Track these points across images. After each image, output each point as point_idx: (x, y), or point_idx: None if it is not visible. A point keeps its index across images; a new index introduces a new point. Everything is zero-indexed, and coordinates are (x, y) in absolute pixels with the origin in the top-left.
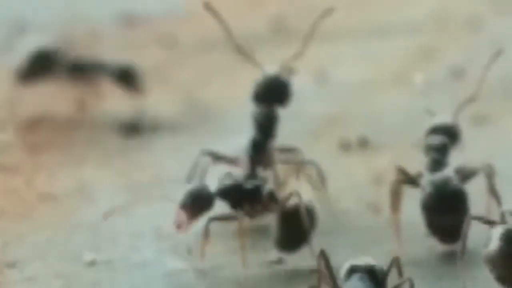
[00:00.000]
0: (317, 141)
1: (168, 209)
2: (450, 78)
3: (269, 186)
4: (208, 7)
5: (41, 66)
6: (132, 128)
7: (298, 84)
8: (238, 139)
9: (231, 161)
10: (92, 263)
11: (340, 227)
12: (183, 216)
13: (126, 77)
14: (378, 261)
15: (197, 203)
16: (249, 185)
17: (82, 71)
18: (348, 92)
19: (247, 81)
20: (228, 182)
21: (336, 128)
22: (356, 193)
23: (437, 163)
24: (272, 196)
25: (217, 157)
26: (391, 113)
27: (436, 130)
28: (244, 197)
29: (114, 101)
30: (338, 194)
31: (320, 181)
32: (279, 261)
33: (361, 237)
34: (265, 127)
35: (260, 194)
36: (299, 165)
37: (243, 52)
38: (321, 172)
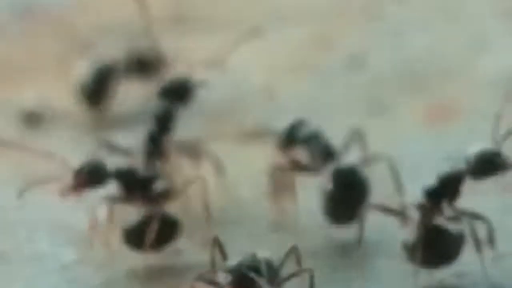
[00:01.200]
0: (217, 129)
1: (64, 200)
2: (348, 66)
3: (165, 181)
4: None
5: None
6: (32, 119)
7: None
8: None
9: (126, 153)
10: None
11: (238, 216)
12: (73, 182)
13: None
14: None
15: (91, 174)
16: (143, 173)
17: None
18: (247, 81)
19: None
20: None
21: (234, 117)
22: (254, 181)
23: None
24: (164, 192)
25: (113, 148)
26: (289, 101)
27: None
28: (136, 183)
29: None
30: (236, 183)
31: (218, 171)
32: (177, 253)
33: (258, 226)
34: (162, 121)
35: (151, 184)
36: (198, 158)
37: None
38: (219, 162)
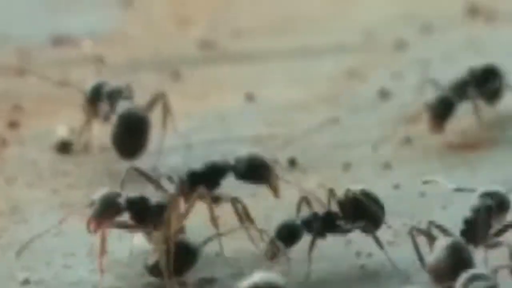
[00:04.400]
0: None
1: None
2: (377, 98)
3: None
4: None
5: None
6: (65, 147)
7: (228, 106)
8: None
9: (156, 183)
10: (25, 283)
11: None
12: (93, 224)
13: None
14: None
15: (104, 208)
16: (154, 201)
17: None
18: (276, 114)
19: (175, 99)
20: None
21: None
22: (286, 214)
23: None
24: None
25: (144, 176)
26: (319, 134)
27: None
28: (147, 211)
29: (47, 120)
30: (267, 216)
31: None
32: (212, 280)
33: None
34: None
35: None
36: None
37: None
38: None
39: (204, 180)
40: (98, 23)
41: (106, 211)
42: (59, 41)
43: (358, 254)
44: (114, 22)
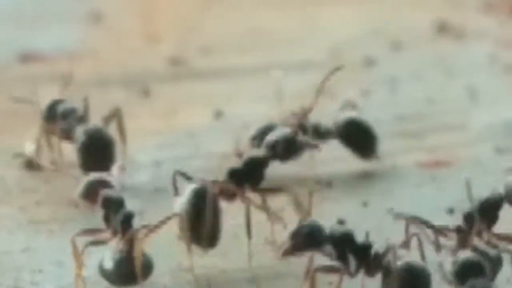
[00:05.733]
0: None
1: (68, 244)
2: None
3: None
4: None
5: None
6: (33, 164)
7: (197, 123)
8: None
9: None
10: None
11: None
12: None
13: None
14: None
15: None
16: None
17: None
18: (245, 130)
19: (144, 116)
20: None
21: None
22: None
23: None
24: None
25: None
26: None
27: None
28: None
29: (15, 137)
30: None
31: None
32: None
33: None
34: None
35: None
36: None
37: None
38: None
39: (247, 176)
40: (66, 39)
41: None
42: (27, 57)
43: None
44: (82, 38)
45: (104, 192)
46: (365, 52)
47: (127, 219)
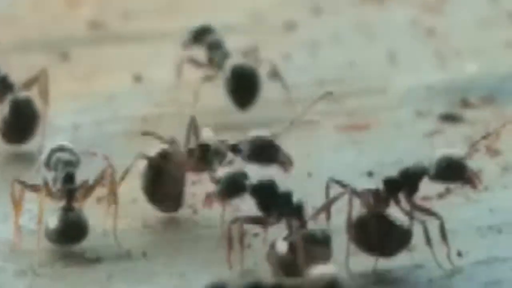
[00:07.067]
0: (135, 141)
1: None
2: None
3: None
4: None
5: None
6: None
7: (116, 87)
8: None
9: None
10: None
11: None
12: None
13: None
14: None
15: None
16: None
17: None
18: (164, 94)
19: (63, 80)
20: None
21: (152, 129)
22: None
23: None
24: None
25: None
26: (204, 112)
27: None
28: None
29: None
30: None
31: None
32: (98, 260)
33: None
34: None
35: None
36: None
37: None
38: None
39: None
40: None
41: None
42: None
43: None
44: (1, 3)
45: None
46: (286, 16)
47: (68, 178)
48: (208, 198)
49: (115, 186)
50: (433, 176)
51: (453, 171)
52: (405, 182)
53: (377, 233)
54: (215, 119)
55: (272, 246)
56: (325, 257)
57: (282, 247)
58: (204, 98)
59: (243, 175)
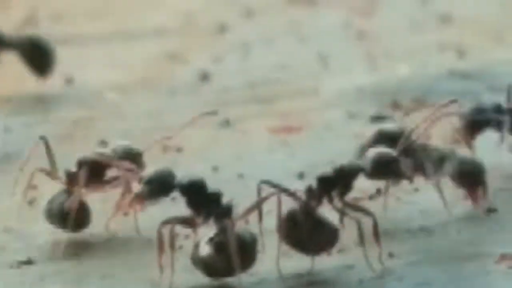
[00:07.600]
0: (66, 145)
1: None
2: (197, 81)
3: None
4: None
5: None
6: None
7: (47, 89)
8: None
9: None
10: None
11: None
12: None
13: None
14: None
15: None
16: None
17: None
18: (95, 97)
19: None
20: None
21: (85, 132)
22: None
23: None
24: None
25: None
26: (139, 117)
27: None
28: None
29: None
30: None
31: None
32: (29, 262)
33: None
34: None
35: None
36: None
37: None
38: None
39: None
40: None
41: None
42: None
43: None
44: None
45: None
46: (218, 18)
47: None
48: (138, 197)
49: None
50: (369, 174)
51: (389, 167)
52: (339, 180)
53: (305, 229)
54: None
55: (196, 246)
56: (251, 259)
57: (205, 247)
58: None
59: (170, 174)
